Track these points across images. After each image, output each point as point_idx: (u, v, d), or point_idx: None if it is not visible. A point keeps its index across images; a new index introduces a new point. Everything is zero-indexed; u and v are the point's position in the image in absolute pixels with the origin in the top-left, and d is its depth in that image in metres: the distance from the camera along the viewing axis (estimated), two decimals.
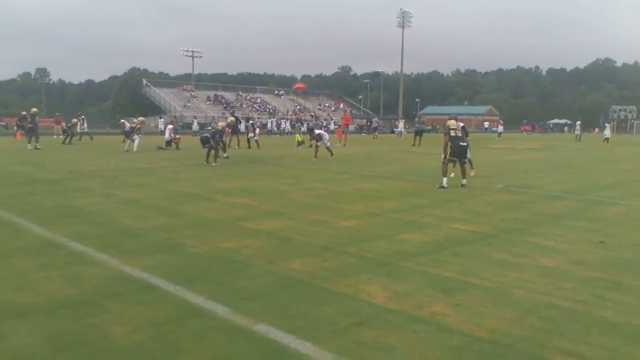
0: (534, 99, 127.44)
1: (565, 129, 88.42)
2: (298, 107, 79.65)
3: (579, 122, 50.21)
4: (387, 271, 5.31)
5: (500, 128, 53.33)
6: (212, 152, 17.40)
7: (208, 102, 72.72)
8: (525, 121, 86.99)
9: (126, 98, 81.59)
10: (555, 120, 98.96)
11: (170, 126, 26.55)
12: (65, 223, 7.46)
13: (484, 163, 20.15)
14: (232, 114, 32.98)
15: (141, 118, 26.02)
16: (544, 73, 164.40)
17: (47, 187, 11.33)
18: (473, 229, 7.46)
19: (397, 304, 4.35)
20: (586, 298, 4.62)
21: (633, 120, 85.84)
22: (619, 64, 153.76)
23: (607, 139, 39.02)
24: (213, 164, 16.82)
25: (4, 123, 50.93)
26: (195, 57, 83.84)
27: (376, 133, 48.72)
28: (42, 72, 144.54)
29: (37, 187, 11.42)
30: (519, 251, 6.25)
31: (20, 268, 5.25)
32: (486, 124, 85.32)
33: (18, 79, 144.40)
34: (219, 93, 78.07)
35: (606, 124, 43.44)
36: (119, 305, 4.27)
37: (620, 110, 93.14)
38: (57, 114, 42.06)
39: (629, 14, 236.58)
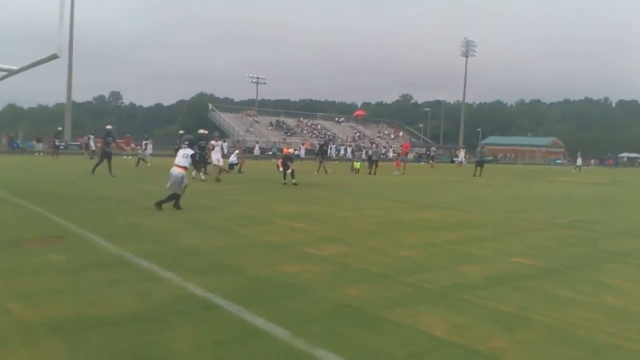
0: (601, 131, 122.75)
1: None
2: (357, 134, 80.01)
3: None
4: (446, 303, 5.27)
5: (579, 161, 51.79)
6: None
7: (270, 128, 74.14)
8: (609, 154, 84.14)
9: (192, 121, 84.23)
10: (626, 154, 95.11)
11: (237, 151, 27.66)
12: (133, 240, 7.79)
13: (547, 197, 19.61)
14: (325, 142, 35.23)
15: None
16: (613, 105, 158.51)
17: (116, 206, 11.87)
18: (535, 264, 7.28)
19: (456, 337, 4.31)
20: None
21: None
22: None
23: None
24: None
25: (78, 143, 53.40)
26: (260, 83, 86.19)
27: (432, 162, 48.24)
28: (115, 95, 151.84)
29: (108, 204, 11.98)
30: (583, 289, 6.06)
31: (93, 282, 5.54)
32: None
33: (93, 102, 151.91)
34: (280, 119, 79.56)
35: None
36: (183, 322, 4.43)
37: None
38: (127, 135, 43.94)
39: None
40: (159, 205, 11.05)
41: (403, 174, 30.45)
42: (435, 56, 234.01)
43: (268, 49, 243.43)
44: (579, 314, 5.09)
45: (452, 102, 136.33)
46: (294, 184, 19.13)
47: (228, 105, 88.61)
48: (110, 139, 21.73)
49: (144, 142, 33.91)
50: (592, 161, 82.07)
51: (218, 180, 19.77)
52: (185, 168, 11.38)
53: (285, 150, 22.07)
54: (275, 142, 63.19)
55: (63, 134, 46.43)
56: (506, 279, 6.37)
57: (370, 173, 28.87)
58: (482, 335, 4.37)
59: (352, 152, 54.12)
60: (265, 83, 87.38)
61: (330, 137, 73.77)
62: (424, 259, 7.35)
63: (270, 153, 54.26)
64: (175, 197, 11.22)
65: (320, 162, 28.99)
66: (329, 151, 51.62)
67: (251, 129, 70.33)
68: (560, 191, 22.94)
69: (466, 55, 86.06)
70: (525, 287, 6.04)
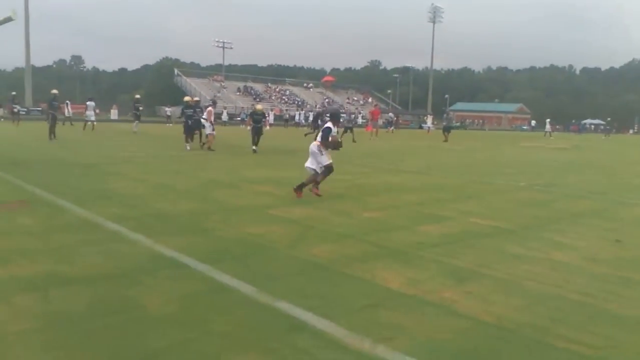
0: (567, 98, 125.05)
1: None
2: (327, 100, 79.84)
3: None
4: (404, 259, 5.57)
5: (548, 127, 52.66)
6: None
7: (238, 93, 73.46)
8: (573, 121, 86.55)
9: (158, 87, 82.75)
10: (589, 120, 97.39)
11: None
12: (101, 204, 7.88)
13: (511, 161, 20.18)
14: (323, 110, 34.70)
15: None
16: (577, 72, 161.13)
17: (84, 171, 11.87)
18: (491, 224, 7.65)
19: (411, 289, 4.61)
20: (593, 291, 4.80)
21: None
22: None
23: None
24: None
25: (40, 108, 52.08)
26: (226, 48, 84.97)
27: (391, 128, 48.39)
28: (77, 59, 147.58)
29: (76, 170, 11.97)
30: (533, 246, 6.43)
31: (63, 243, 5.67)
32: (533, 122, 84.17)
33: (54, 66, 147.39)
34: (248, 84, 78.80)
35: None
36: (152, 279, 4.62)
37: None
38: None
39: None
40: (316, 188, 9.38)
41: (370, 139, 30.74)
42: (404, 22, 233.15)
43: (234, 12, 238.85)
44: (526, 268, 5.44)
45: (420, 69, 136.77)
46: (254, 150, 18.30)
47: (194, 70, 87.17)
48: (56, 103, 21.97)
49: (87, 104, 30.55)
50: (557, 127, 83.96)
51: (210, 149, 18.41)
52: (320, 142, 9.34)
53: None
54: (243, 107, 62.75)
55: (20, 98, 45.29)
56: (462, 237, 6.70)
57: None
58: (435, 288, 4.68)
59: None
60: (232, 48, 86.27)
61: (300, 102, 73.49)
62: (386, 220, 7.64)
63: (239, 119, 53.88)
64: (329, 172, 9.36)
65: (314, 130, 29.01)
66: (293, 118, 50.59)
67: (219, 95, 69.53)
68: (524, 156, 23.58)
69: (433, 21, 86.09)
70: (480, 244, 6.39)
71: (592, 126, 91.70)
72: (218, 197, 9.14)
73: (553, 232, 7.35)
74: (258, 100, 70.03)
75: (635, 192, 12.25)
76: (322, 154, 9.25)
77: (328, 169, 9.29)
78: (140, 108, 29.22)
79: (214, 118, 19.62)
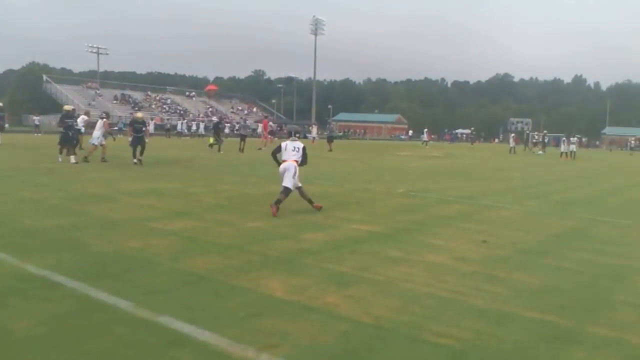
0: (440, 109, 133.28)
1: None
2: (210, 109, 78.75)
3: (513, 135, 49.99)
4: (287, 267, 5.65)
5: (425, 136, 56.20)
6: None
7: (115, 102, 70.32)
8: (446, 130, 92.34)
9: (24, 94, 76.68)
10: (461, 130, 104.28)
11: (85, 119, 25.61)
12: None
13: (389, 169, 21.12)
14: (220, 120, 34.34)
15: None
16: (449, 85, 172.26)
17: None
18: (371, 229, 7.97)
19: (294, 296, 4.69)
20: (463, 289, 5.18)
21: (528, 132, 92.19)
22: (516, 79, 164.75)
23: (572, 152, 38.05)
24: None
25: None
26: (101, 53, 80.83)
27: (275, 137, 48.90)
28: None
29: None
30: (410, 249, 6.80)
31: None
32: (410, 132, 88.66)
33: None
34: (126, 92, 75.69)
35: (572, 138, 40.33)
36: (21, 301, 4.30)
37: (517, 122, 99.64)
38: None
39: (525, 33, 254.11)
40: (277, 205, 8.93)
41: (257, 149, 30.66)
42: (288, 33, 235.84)
43: (109, 16, 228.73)
44: (403, 270, 5.74)
45: (304, 79, 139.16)
46: (138, 161, 17.63)
47: (66, 76, 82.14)
48: None
49: None
50: (433, 136, 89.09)
51: (86, 160, 17.59)
52: (297, 161, 9.50)
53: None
54: (121, 116, 60.20)
55: None
56: (344, 244, 6.93)
57: (240, 149, 28.08)
58: (318, 293, 4.80)
59: (207, 127, 52.96)
60: (107, 54, 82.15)
61: (182, 111, 71.83)
62: (270, 229, 7.70)
63: (116, 128, 51.45)
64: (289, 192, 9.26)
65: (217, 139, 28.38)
66: (225, 129, 48.64)
67: (93, 103, 66.08)
68: (401, 164, 24.78)
69: (315, 33, 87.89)
70: (360, 249, 6.64)
71: (464, 135, 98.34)
72: (94, 211, 8.67)
73: (428, 235, 7.82)
74: (137, 109, 67.43)
75: (500, 195, 13.32)
76: (293, 177, 9.25)
77: (288, 191, 9.23)
78: (5, 123, 26.92)
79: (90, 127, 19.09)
